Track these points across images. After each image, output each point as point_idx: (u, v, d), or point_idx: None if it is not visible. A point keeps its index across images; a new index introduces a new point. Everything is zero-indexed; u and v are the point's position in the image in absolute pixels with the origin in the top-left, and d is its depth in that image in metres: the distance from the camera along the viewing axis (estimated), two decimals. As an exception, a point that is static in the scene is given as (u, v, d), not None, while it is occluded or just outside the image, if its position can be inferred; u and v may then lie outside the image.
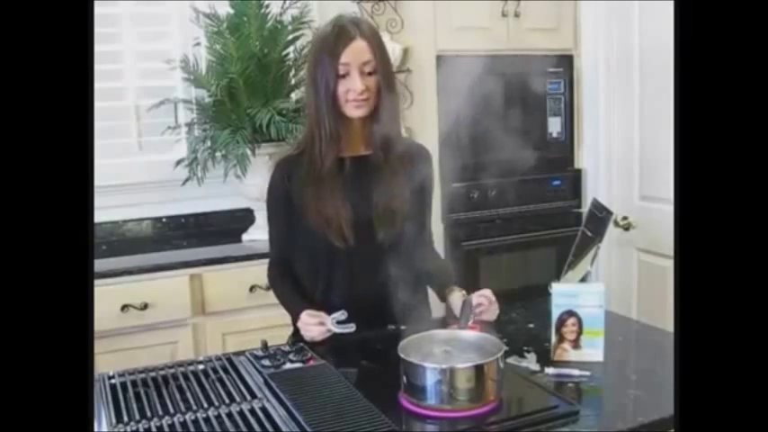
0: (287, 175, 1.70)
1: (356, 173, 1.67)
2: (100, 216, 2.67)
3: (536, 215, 2.98)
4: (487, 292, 1.63)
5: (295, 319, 1.66)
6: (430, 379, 1.23)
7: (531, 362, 1.47)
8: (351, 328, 1.53)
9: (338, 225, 1.63)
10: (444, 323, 1.67)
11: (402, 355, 1.28)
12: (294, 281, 1.75)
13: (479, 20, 2.83)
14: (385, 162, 1.67)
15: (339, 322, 1.55)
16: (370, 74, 1.60)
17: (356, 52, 1.58)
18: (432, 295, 1.83)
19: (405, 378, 1.27)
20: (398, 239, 1.65)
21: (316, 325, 1.57)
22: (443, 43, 2.78)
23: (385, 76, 1.63)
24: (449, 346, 1.37)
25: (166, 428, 1.18)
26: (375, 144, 1.67)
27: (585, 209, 2.99)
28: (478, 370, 1.24)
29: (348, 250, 1.64)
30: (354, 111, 1.62)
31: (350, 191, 1.66)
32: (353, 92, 1.59)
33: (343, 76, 1.59)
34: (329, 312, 1.59)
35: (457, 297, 1.68)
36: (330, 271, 1.68)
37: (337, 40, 1.59)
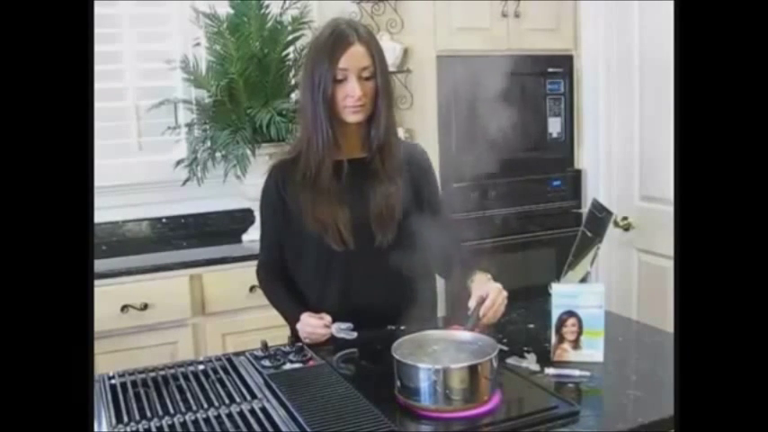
0: (281, 181, 1.70)
1: (353, 176, 1.66)
2: (100, 216, 2.67)
3: (536, 215, 2.98)
4: (493, 294, 1.54)
5: (293, 321, 1.66)
6: (423, 380, 1.23)
7: (531, 362, 1.47)
8: (353, 335, 1.53)
9: (336, 228, 1.63)
10: (447, 322, 1.67)
11: (396, 356, 1.27)
12: (288, 284, 1.75)
13: (479, 20, 2.83)
14: (381, 165, 1.67)
15: (342, 329, 1.55)
16: (367, 79, 1.60)
17: (355, 57, 1.58)
18: (436, 295, 1.83)
19: (398, 379, 1.27)
20: (396, 241, 1.65)
21: (319, 327, 1.58)
22: (443, 43, 2.78)
23: (382, 81, 1.62)
24: (443, 346, 1.37)
25: (166, 429, 1.18)
26: (371, 147, 1.67)
27: (585, 209, 2.99)
28: (472, 370, 1.24)
29: (346, 253, 1.64)
30: (351, 116, 1.61)
31: (347, 194, 1.66)
32: (351, 98, 1.59)
33: (341, 81, 1.59)
34: (327, 315, 1.59)
35: (478, 282, 1.60)
36: (328, 274, 1.68)
37: (335, 44, 1.58)
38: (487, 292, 1.53)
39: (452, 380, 1.22)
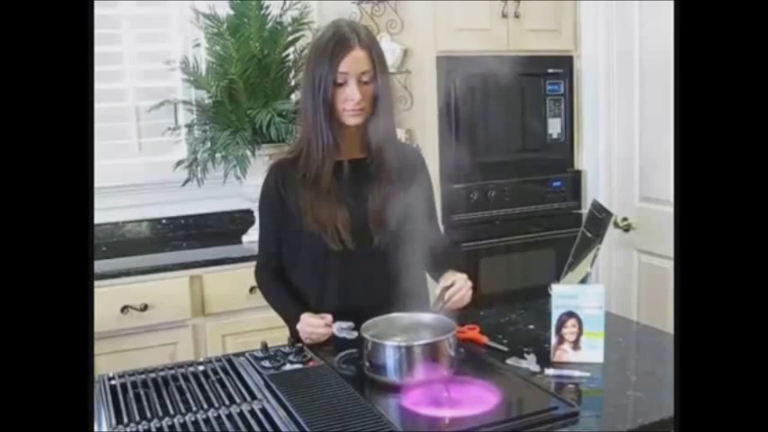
0: (281, 180, 1.70)
1: (352, 177, 1.67)
2: (100, 217, 2.67)
3: (536, 216, 2.98)
4: (459, 281, 1.60)
5: (292, 321, 1.66)
6: (390, 356, 1.34)
7: (531, 363, 1.47)
8: (354, 334, 1.54)
9: (335, 228, 1.63)
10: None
11: (365, 336, 1.39)
12: (287, 284, 1.75)
13: (479, 21, 2.83)
14: (380, 166, 1.67)
15: (343, 328, 1.55)
16: (367, 83, 1.61)
17: (355, 62, 1.58)
18: (431, 294, 1.83)
19: (367, 357, 1.38)
20: (394, 242, 1.65)
21: (320, 326, 1.58)
22: (443, 44, 2.78)
23: (382, 84, 1.63)
24: (408, 327, 1.49)
25: (166, 429, 1.18)
26: (370, 149, 1.67)
27: (585, 210, 2.99)
28: (433, 347, 1.35)
29: (345, 253, 1.64)
30: (351, 119, 1.62)
31: (346, 194, 1.66)
32: (351, 101, 1.59)
33: (341, 85, 1.59)
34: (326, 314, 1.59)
35: (446, 277, 1.65)
36: (327, 274, 1.68)
37: (336, 48, 1.58)
38: (454, 281, 1.60)
39: (415, 355, 1.34)
